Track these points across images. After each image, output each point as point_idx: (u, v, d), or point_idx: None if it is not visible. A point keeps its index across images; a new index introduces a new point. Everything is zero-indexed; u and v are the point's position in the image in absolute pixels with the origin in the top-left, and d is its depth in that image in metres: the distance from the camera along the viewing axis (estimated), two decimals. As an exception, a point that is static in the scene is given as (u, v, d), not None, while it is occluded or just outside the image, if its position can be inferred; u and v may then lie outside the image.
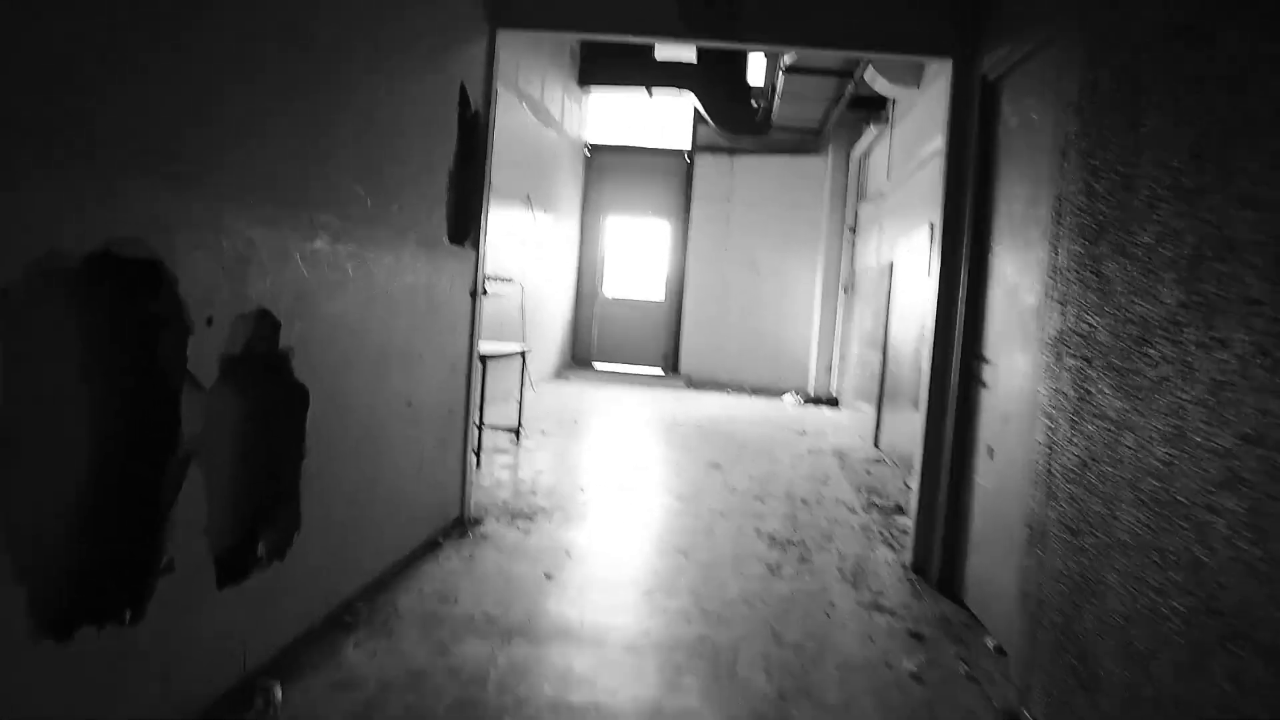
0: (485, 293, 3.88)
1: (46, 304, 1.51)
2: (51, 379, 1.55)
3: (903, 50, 3.64)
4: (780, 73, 8.09)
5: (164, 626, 1.79)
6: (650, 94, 10.73)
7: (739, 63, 10.37)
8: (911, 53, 3.68)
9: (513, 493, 4.40)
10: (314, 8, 2.25)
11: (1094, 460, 1.89)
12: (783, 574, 3.42)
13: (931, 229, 5.58)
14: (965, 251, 3.32)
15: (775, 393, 10.45)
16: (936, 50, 3.52)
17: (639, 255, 11.50)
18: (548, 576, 3.17)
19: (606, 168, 11.30)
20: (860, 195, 9.54)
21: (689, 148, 11.18)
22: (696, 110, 10.63)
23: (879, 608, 3.10)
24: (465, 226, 3.63)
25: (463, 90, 3.43)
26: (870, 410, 7.23)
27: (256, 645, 2.18)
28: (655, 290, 11.34)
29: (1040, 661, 2.13)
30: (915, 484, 3.57)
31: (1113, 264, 1.86)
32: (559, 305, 10.31)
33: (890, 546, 3.90)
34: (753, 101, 10.35)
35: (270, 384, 2.22)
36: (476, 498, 4.18)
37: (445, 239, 3.39)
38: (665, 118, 11.36)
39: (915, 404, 5.57)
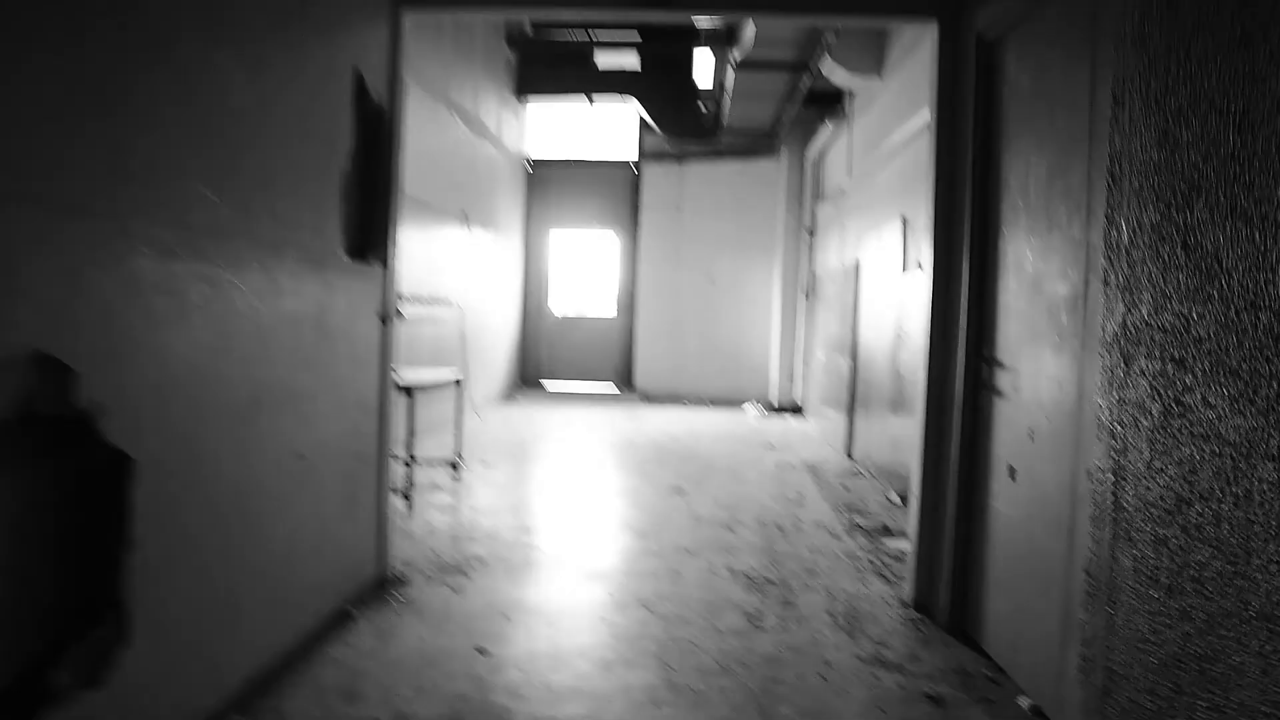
0: (401, 316, 3.28)
1: None
2: None
3: (877, 12, 3.17)
4: (730, 70, 7.65)
5: None
6: (591, 101, 10.19)
7: (685, 64, 9.91)
8: (888, 14, 3.21)
9: (447, 540, 3.78)
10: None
11: (1201, 497, 1.39)
12: (765, 624, 2.88)
13: (904, 222, 5.15)
14: (967, 240, 2.85)
15: (736, 403, 9.97)
16: (917, 10, 3.05)
17: (588, 269, 10.94)
18: (481, 652, 2.58)
19: (550, 182, 10.74)
20: (818, 196, 9.16)
21: (635, 157, 10.68)
22: (642, 118, 10.14)
23: (883, 663, 2.58)
24: (369, 240, 3.02)
25: (359, 79, 2.84)
26: (839, 418, 6.78)
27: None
28: (606, 304, 10.79)
29: (1122, 758, 1.62)
30: (914, 506, 3.07)
31: (1217, 233, 1.37)
32: (504, 325, 9.68)
33: (884, 578, 3.39)
34: (701, 105, 9.90)
35: (71, 455, 1.61)
36: (403, 550, 3.56)
37: (341, 254, 2.79)
38: (609, 127, 10.85)
39: (894, 409, 5.10)
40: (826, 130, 8.13)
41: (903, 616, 2.97)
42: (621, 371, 10.62)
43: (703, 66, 9.98)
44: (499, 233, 9.21)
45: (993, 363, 2.71)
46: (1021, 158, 2.56)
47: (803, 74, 7.25)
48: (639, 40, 9.36)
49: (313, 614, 2.60)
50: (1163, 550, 1.50)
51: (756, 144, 10.22)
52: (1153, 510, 1.53)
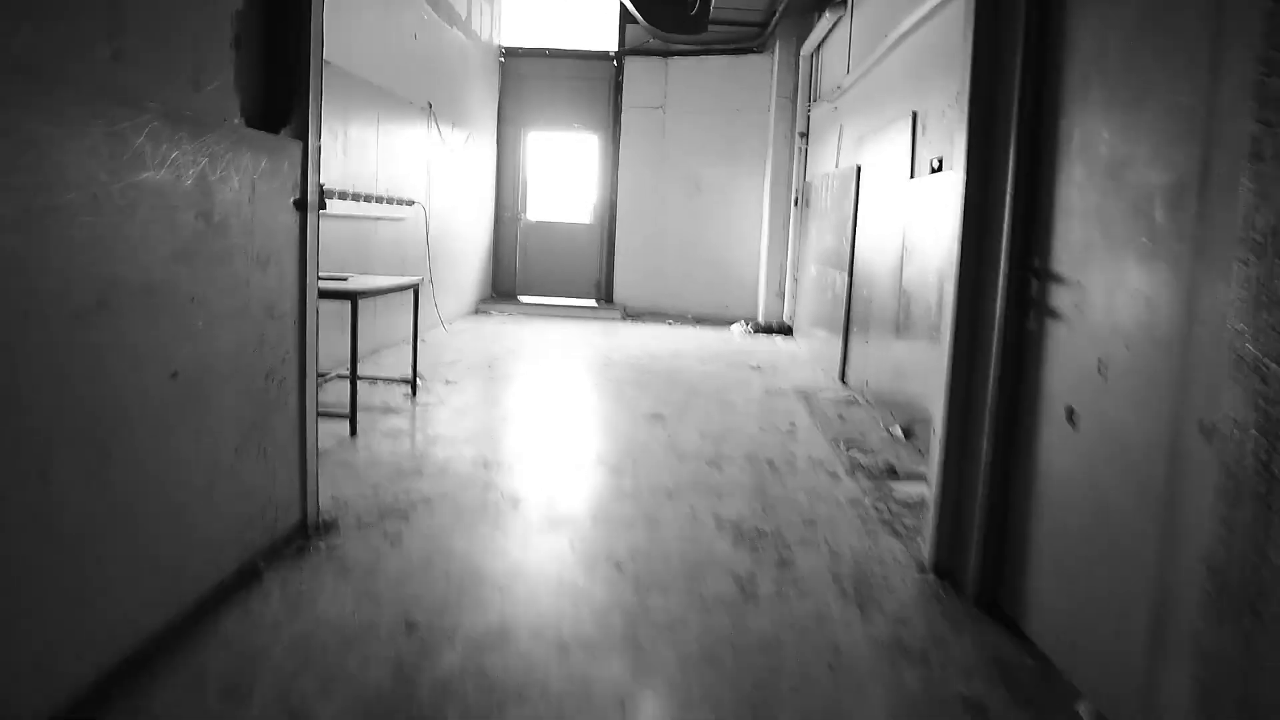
0: (324, 206, 2.67)
1: None
2: None
3: None
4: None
5: None
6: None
7: (671, -55, 8.92)
8: None
9: (391, 474, 3.29)
10: None
11: None
12: (758, 593, 2.43)
13: (915, 118, 4.52)
14: (1014, 123, 2.27)
15: (722, 322, 9.44)
16: None
17: (566, 174, 10.17)
18: (410, 626, 2.11)
19: (525, 75, 9.83)
20: (813, 96, 8.40)
21: (616, 50, 9.78)
22: (624, 6, 9.19)
23: (904, 649, 2.13)
24: (279, 103, 2.41)
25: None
26: (832, 339, 6.28)
27: None
28: (585, 212, 10.08)
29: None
30: (936, 451, 2.59)
31: None
32: (475, 232, 8.99)
33: (895, 533, 2.95)
34: (688, -10, 8.97)
35: None
36: (340, 486, 3.06)
37: (237, 118, 2.18)
38: (589, 17, 9.88)
39: (897, 332, 4.60)
40: (825, 22, 7.29)
41: (922, 585, 2.52)
42: (601, 285, 10.02)
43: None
44: (470, 130, 8.42)
45: (1046, 276, 2.18)
46: (1094, 10, 1.96)
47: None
48: (622, -87, 8.36)
49: (203, 578, 2.11)
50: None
51: (747, 38, 9.34)
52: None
